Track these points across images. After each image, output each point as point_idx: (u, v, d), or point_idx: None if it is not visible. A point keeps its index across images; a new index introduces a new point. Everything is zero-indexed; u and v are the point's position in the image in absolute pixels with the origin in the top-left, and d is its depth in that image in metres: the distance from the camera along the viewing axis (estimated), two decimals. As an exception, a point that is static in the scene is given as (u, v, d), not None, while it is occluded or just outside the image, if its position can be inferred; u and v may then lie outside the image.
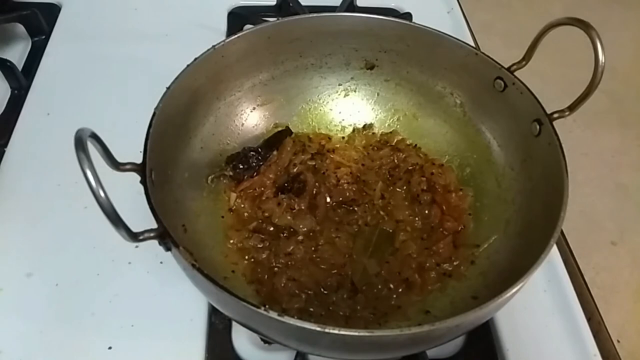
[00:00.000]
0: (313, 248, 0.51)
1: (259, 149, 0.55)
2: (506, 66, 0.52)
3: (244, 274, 0.49)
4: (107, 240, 0.52)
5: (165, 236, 0.38)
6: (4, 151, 0.60)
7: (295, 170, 0.56)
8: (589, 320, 0.52)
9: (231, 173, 0.54)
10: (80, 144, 0.33)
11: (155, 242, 0.38)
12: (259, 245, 0.51)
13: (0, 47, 0.74)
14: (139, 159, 0.41)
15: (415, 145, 0.60)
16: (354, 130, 0.61)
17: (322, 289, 0.48)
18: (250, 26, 0.71)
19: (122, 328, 0.48)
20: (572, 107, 0.48)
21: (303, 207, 0.53)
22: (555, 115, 0.48)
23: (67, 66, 0.70)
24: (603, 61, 0.45)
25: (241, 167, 0.54)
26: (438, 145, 0.59)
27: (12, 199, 0.56)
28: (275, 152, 0.56)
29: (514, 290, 0.37)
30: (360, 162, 0.58)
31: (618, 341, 0.55)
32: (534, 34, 0.50)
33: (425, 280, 0.49)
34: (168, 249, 0.39)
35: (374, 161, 0.58)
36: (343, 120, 0.62)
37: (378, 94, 0.62)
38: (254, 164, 0.55)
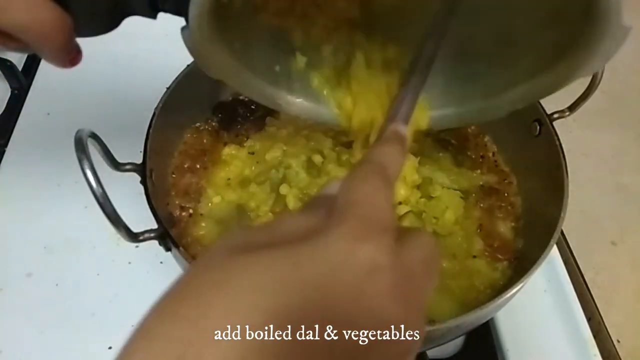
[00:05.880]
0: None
1: (251, 106, 0.53)
2: (506, 66, 0.52)
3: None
4: (107, 240, 0.52)
5: (165, 236, 0.38)
6: (4, 151, 0.60)
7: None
8: (589, 320, 0.52)
9: (215, 123, 0.53)
10: (80, 144, 0.33)
11: (155, 242, 0.38)
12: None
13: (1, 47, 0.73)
14: (139, 159, 0.41)
15: (415, 145, 0.59)
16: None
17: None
18: (250, 26, 0.71)
19: (122, 328, 0.48)
20: (572, 107, 0.48)
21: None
22: (555, 115, 0.48)
23: (67, 66, 0.70)
24: (603, 61, 0.45)
25: (224, 117, 0.53)
26: (438, 145, 0.59)
27: (12, 199, 0.56)
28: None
29: (514, 290, 0.37)
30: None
31: (618, 341, 0.54)
32: (533, 34, 0.50)
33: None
34: (168, 249, 0.39)
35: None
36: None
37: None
38: (239, 118, 0.53)
